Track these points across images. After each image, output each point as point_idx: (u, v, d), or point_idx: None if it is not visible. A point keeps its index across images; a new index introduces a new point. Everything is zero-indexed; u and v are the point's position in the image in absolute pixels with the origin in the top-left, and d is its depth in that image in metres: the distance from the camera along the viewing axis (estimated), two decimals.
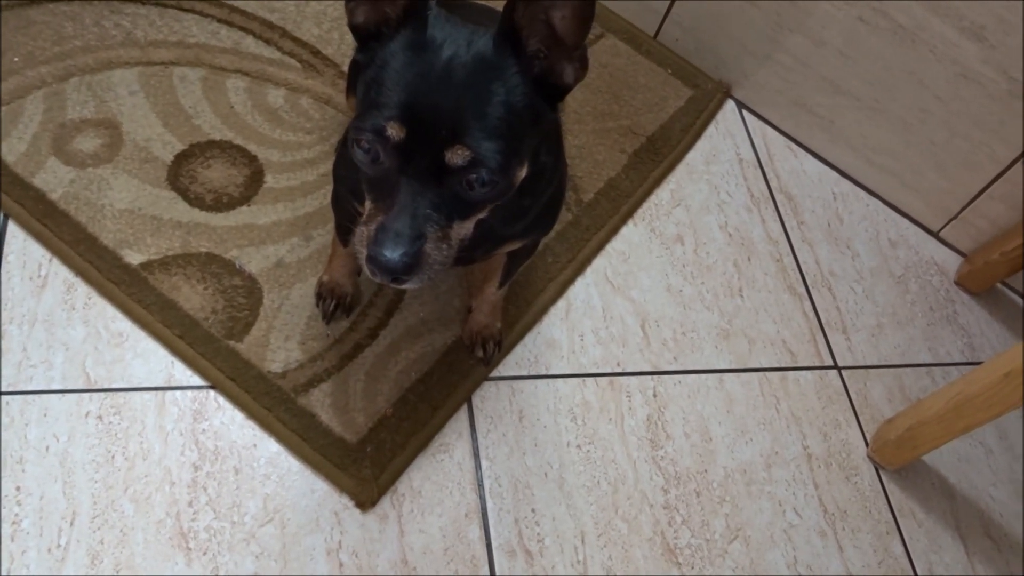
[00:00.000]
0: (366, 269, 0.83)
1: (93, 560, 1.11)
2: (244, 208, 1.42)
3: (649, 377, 1.41)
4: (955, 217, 1.68)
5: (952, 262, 1.70)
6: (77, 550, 1.11)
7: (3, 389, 1.21)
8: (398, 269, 0.80)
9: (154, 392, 1.24)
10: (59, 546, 1.11)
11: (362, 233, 0.84)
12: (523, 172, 0.87)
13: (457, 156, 0.79)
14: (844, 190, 1.74)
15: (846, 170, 1.76)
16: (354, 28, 0.85)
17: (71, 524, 1.13)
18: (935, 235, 1.73)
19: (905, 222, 1.73)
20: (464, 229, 0.86)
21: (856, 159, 1.73)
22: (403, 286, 0.84)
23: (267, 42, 1.62)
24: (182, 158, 1.45)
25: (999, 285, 1.68)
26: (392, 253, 0.80)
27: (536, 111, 0.84)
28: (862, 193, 1.75)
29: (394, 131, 0.79)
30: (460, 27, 0.82)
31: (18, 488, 1.14)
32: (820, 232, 1.67)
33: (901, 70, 1.55)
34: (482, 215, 0.88)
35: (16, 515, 1.12)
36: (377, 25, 0.84)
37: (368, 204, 0.86)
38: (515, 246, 1.13)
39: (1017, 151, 1.52)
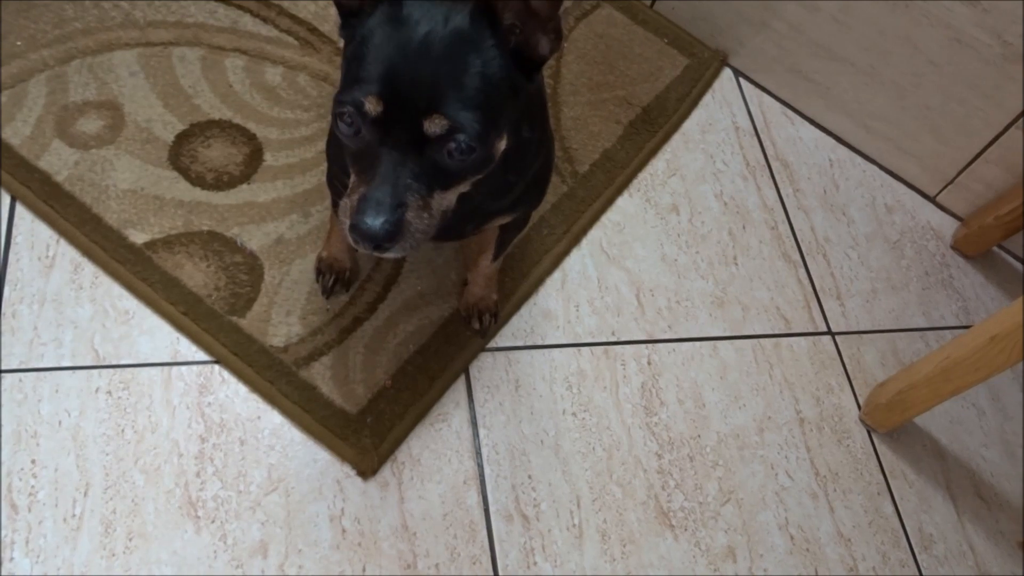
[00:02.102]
0: (349, 238, 0.86)
1: (107, 529, 1.16)
2: (244, 186, 1.45)
3: (644, 345, 1.44)
4: (951, 182, 1.68)
5: (948, 226, 1.71)
6: (91, 519, 1.16)
7: (16, 367, 1.25)
8: (380, 236, 0.83)
9: (161, 367, 1.28)
10: (74, 516, 1.16)
11: (346, 205, 0.87)
12: (502, 144, 0.89)
13: (435, 125, 0.82)
14: (840, 156, 1.75)
15: (842, 136, 1.76)
16: (338, 5, 0.89)
17: (85, 495, 1.18)
18: (932, 200, 1.73)
19: (902, 187, 1.74)
20: (446, 200, 0.89)
21: (852, 125, 1.74)
22: (386, 255, 0.87)
23: (264, 20, 1.64)
24: (183, 138, 1.48)
25: (995, 248, 1.69)
26: (373, 221, 0.82)
27: (513, 83, 0.87)
28: (858, 159, 1.76)
29: (372, 105, 0.82)
30: (436, 5, 0.84)
31: (33, 461, 1.19)
32: (816, 199, 1.68)
33: (895, 35, 1.55)
34: (464, 188, 0.90)
35: (32, 487, 1.17)
36: (359, 1, 0.87)
37: (352, 177, 0.89)
38: (505, 220, 1.15)
39: (1011, 115, 1.52)
